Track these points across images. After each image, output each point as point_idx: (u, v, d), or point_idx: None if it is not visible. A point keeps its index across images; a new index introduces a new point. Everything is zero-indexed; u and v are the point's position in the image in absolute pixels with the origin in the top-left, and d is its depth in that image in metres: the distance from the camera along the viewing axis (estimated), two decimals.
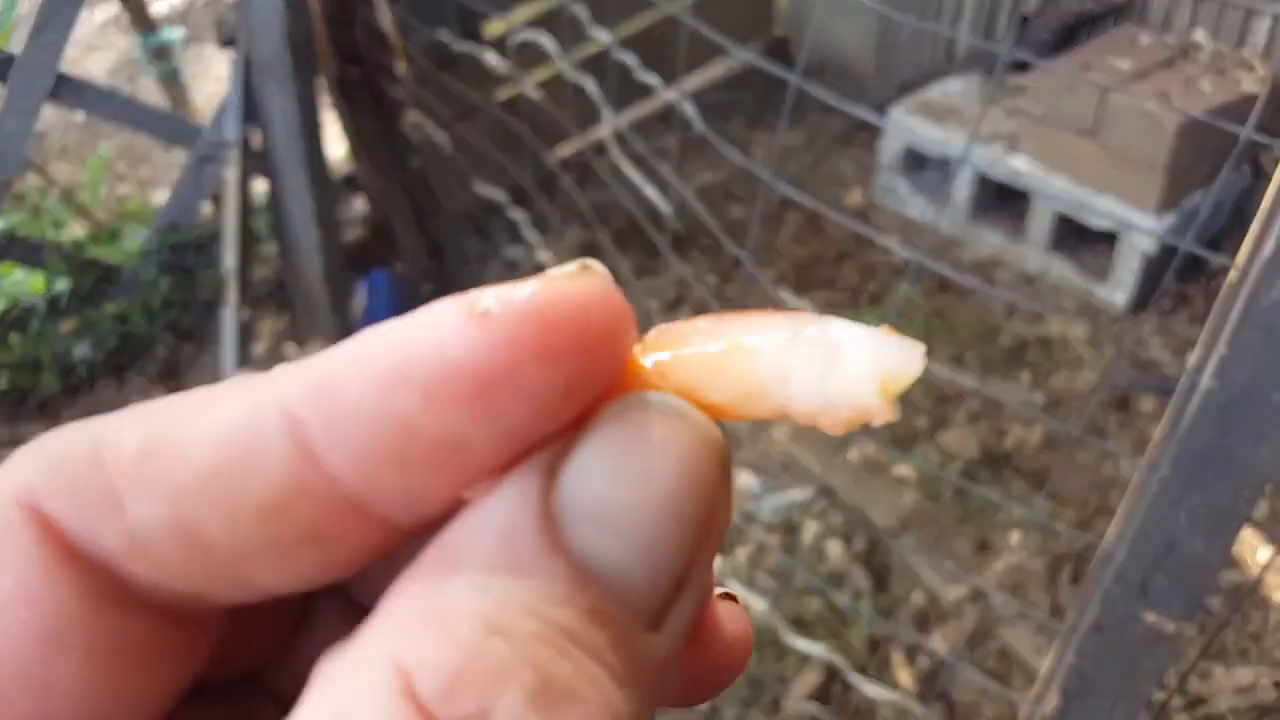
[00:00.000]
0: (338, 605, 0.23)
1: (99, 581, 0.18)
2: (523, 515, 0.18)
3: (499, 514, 0.18)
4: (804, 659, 1.79)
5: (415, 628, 0.16)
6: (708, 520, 0.19)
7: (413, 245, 2.78)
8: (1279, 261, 0.83)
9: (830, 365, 0.20)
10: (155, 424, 0.18)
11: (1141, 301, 2.55)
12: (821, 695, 1.76)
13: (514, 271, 2.69)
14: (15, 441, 2.50)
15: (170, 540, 0.17)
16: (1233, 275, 0.89)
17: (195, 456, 0.17)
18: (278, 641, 0.23)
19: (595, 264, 0.19)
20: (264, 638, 0.23)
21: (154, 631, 0.18)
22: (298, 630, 0.23)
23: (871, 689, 1.26)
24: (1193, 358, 0.92)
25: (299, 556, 0.18)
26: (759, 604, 1.39)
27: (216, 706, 0.22)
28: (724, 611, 0.23)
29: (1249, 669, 1.79)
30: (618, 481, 0.18)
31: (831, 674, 1.77)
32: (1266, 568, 1.50)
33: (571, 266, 0.19)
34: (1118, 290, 2.56)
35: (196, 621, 0.19)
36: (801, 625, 1.85)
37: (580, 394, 0.18)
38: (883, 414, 0.19)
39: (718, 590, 0.23)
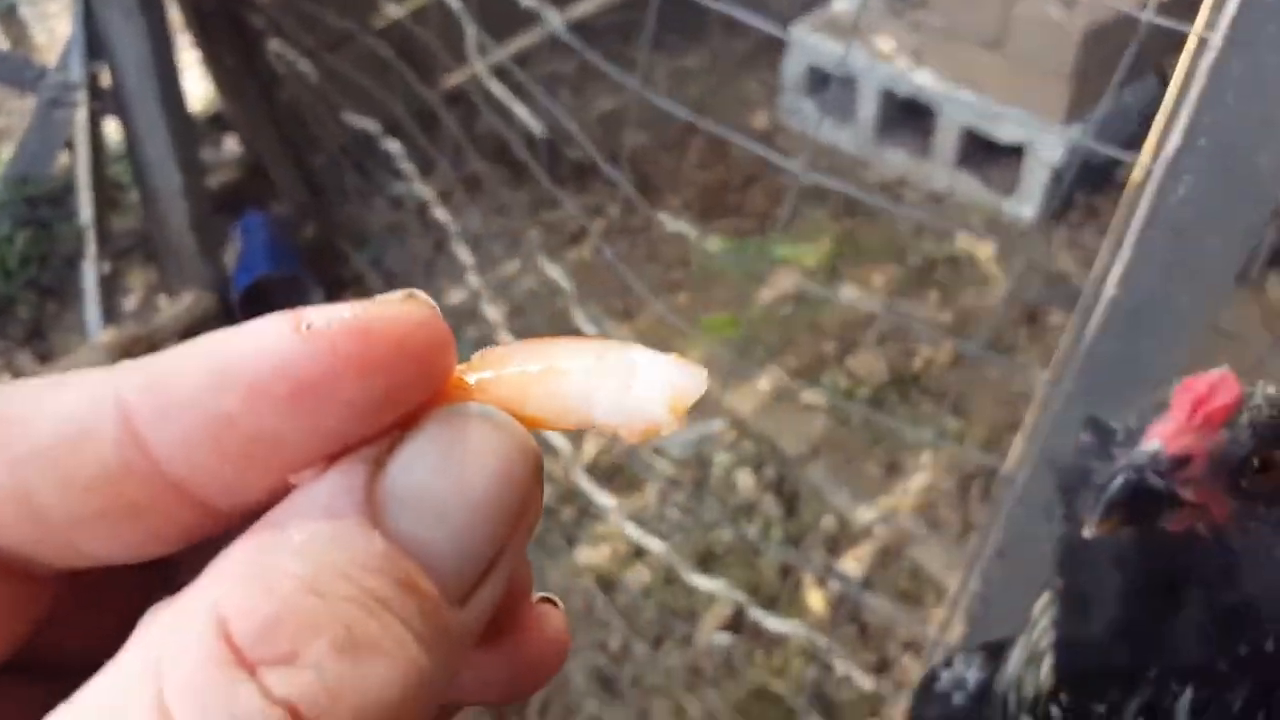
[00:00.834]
0: None
1: None
2: (345, 496, 0.20)
3: (323, 494, 0.20)
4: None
5: (237, 583, 0.18)
6: (518, 516, 0.21)
7: (290, 184, 2.61)
8: (1184, 158, 0.76)
9: (628, 386, 0.23)
10: (3, 400, 0.20)
11: (1050, 215, 2.51)
12: (734, 625, 1.71)
13: (399, 209, 2.55)
14: None
15: (8, 504, 0.19)
16: (1136, 175, 0.81)
17: (36, 432, 0.19)
18: (115, 637, 0.23)
19: (420, 294, 0.21)
20: (102, 631, 0.23)
21: None
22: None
23: (776, 624, 1.20)
24: (1096, 266, 0.85)
25: (123, 528, 0.20)
26: (658, 546, 1.32)
27: (51, 686, 0.23)
28: (542, 613, 0.25)
29: None
30: (439, 474, 0.20)
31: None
32: None
33: (398, 295, 0.21)
34: (1025, 204, 2.52)
35: (34, 581, 0.21)
36: (713, 558, 1.79)
37: (398, 403, 0.20)
38: (670, 427, 0.23)
39: (538, 595, 0.25)
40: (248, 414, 0.19)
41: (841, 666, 1.37)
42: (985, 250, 2.46)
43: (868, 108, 2.68)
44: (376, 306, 0.20)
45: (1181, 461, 0.47)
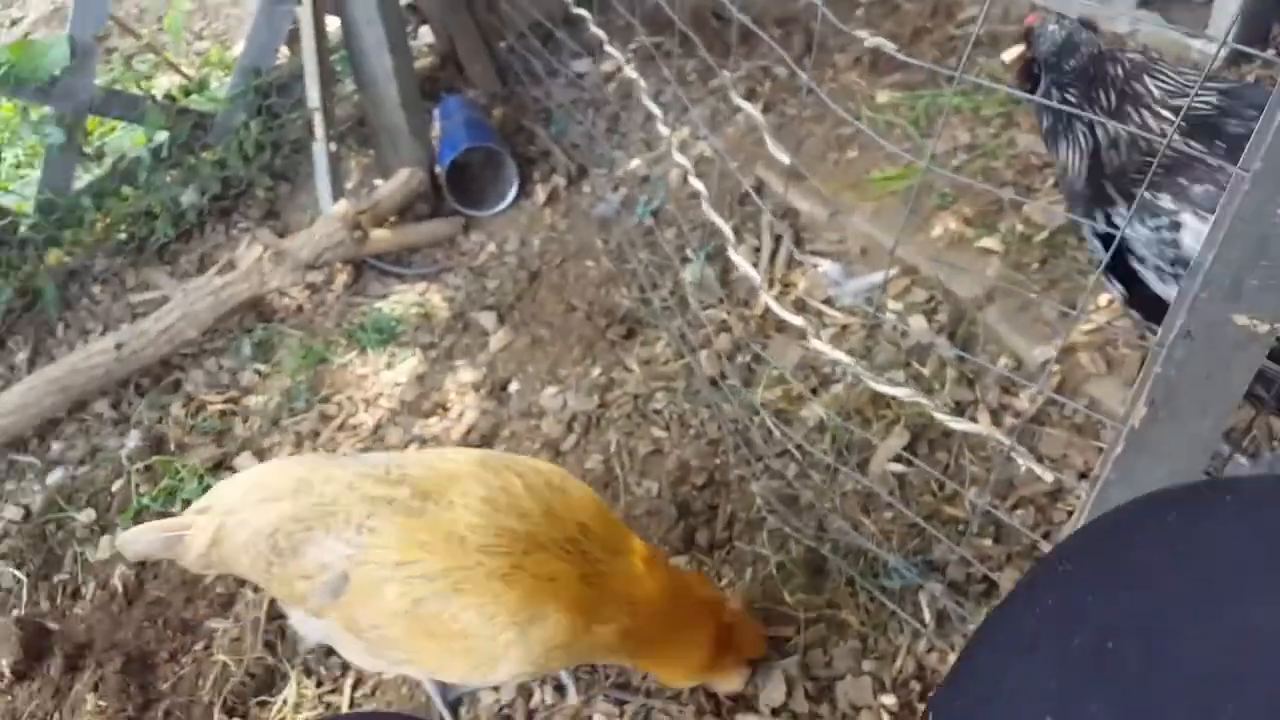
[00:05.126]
0: None
1: None
2: None
3: None
4: (890, 424, 1.86)
5: None
6: None
7: (480, 69, 2.80)
8: None
9: None
10: None
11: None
12: (906, 460, 1.82)
13: (578, 87, 2.70)
14: (143, 285, 2.67)
15: None
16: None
17: None
18: None
19: None
20: None
21: None
22: None
23: (959, 425, 1.28)
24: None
25: None
26: (846, 358, 1.42)
27: None
28: None
29: None
30: None
31: (915, 436, 1.84)
32: None
33: None
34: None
35: None
36: (884, 402, 1.89)
37: None
38: None
39: None
40: None
41: (1023, 464, 1.38)
42: None
43: None
44: None
45: None
